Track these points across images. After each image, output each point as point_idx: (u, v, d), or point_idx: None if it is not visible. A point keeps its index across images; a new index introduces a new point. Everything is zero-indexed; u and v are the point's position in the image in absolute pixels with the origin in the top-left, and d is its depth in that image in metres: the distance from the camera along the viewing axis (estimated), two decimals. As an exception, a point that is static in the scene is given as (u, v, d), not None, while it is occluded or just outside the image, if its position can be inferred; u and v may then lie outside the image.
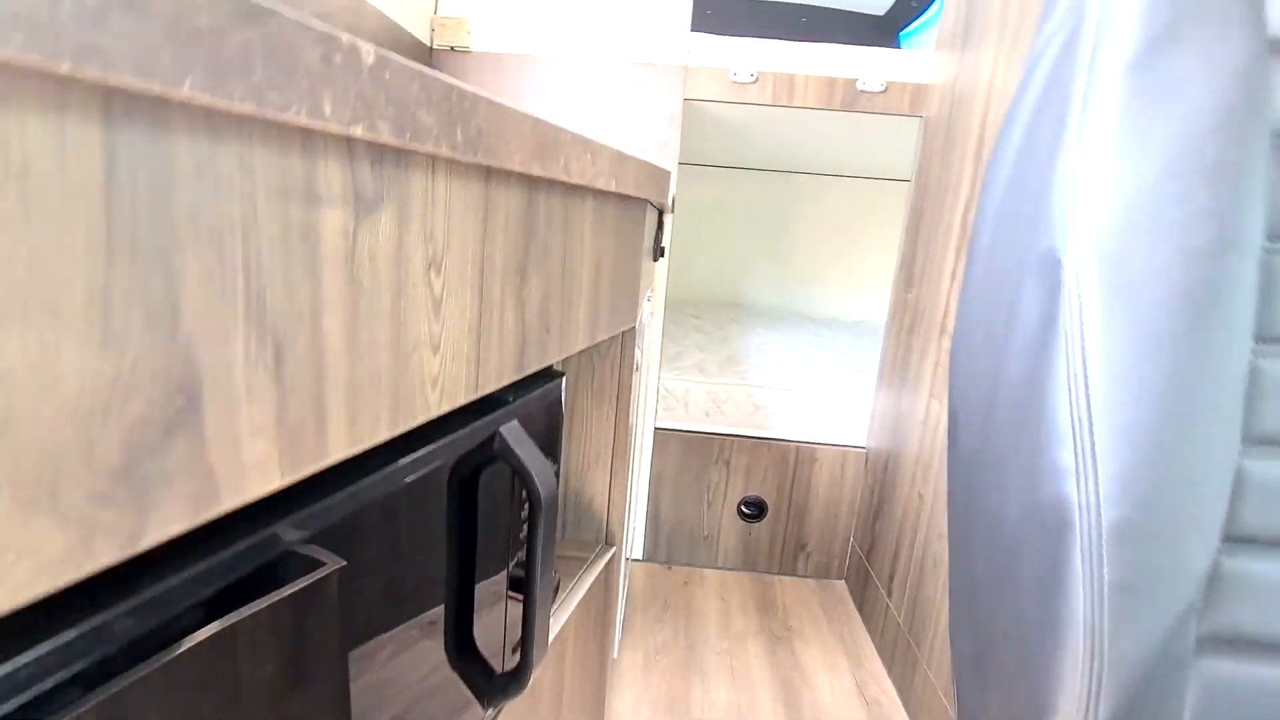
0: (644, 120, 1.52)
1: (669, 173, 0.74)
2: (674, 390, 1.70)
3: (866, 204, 2.83)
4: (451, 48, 1.51)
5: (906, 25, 3.29)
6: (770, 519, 1.74)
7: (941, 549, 1.20)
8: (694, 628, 1.50)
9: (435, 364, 0.39)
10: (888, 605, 1.43)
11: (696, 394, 1.70)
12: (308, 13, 0.24)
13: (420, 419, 0.39)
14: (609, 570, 0.89)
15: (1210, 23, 0.39)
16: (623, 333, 0.80)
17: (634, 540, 1.77)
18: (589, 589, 0.83)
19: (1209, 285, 0.37)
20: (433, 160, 0.36)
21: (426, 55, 1.50)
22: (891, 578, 1.42)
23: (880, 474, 1.56)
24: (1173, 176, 0.38)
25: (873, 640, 1.50)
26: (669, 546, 1.77)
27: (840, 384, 1.73)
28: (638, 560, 1.78)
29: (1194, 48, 0.39)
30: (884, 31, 3.41)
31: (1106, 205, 0.39)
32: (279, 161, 0.26)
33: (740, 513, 1.74)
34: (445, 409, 0.41)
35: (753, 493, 1.73)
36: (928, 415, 1.32)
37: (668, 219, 1.33)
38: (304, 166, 0.27)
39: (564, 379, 0.62)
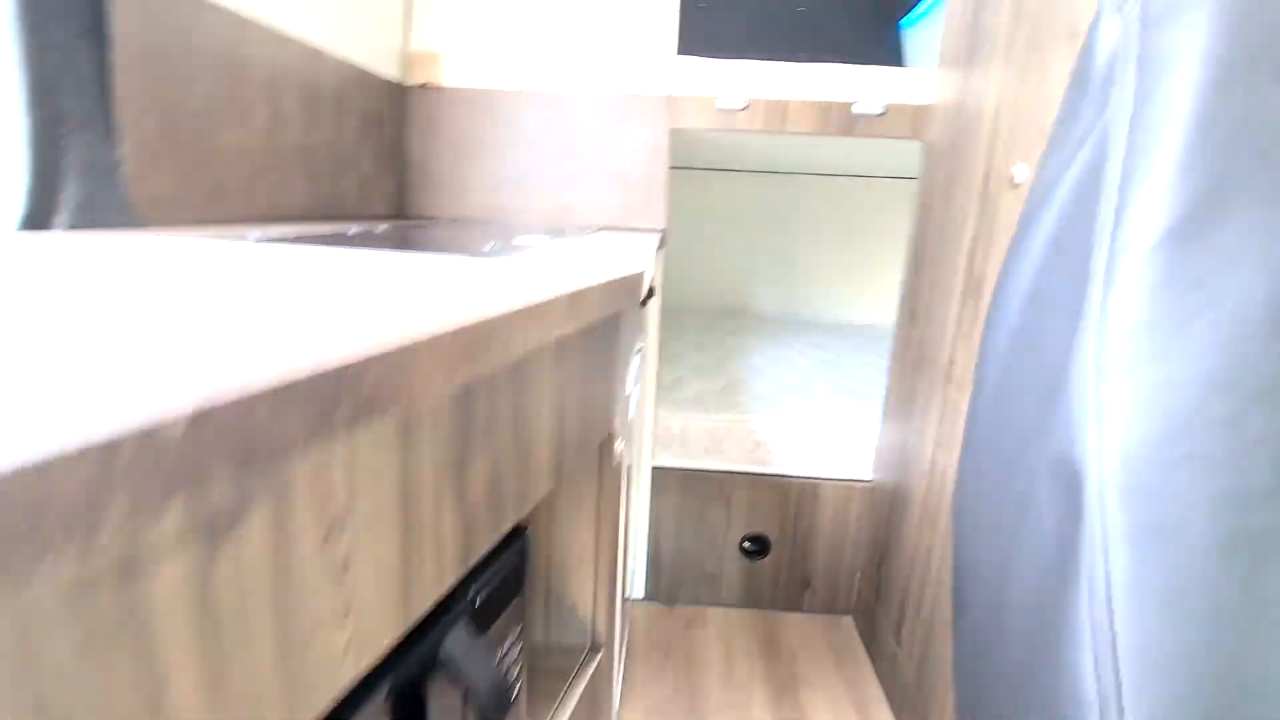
0: (629, 153, 1.45)
1: (641, 273, 0.68)
2: (671, 427, 1.65)
3: (872, 202, 2.73)
4: (424, 85, 1.44)
5: (909, 11, 3.16)
6: (774, 556, 1.69)
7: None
8: (696, 678, 1.46)
9: (345, 631, 0.34)
10: (896, 653, 1.38)
11: (695, 431, 1.64)
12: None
13: (329, 698, 0.33)
14: (598, 677, 0.84)
15: (1267, 190, 0.32)
16: (600, 441, 0.74)
17: (635, 580, 1.73)
18: (577, 701, 0.78)
19: (1266, 533, 0.31)
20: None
21: (399, 94, 1.43)
22: (900, 627, 1.37)
23: (886, 512, 1.51)
24: (1220, 392, 0.31)
25: (881, 687, 1.45)
26: (670, 585, 1.73)
27: (844, 416, 1.67)
28: (639, 601, 1.74)
29: (1246, 222, 0.32)
30: (885, 19, 3.28)
31: (1137, 422, 0.32)
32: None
33: (743, 550, 1.69)
34: (367, 665, 0.36)
35: (755, 529, 1.68)
36: (933, 466, 1.25)
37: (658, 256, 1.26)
38: (101, 561, 0.21)
39: (527, 533, 0.56)
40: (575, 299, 0.52)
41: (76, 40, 0.68)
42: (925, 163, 1.40)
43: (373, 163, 1.34)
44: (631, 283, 0.65)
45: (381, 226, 1.07)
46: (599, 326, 0.68)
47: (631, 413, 1.00)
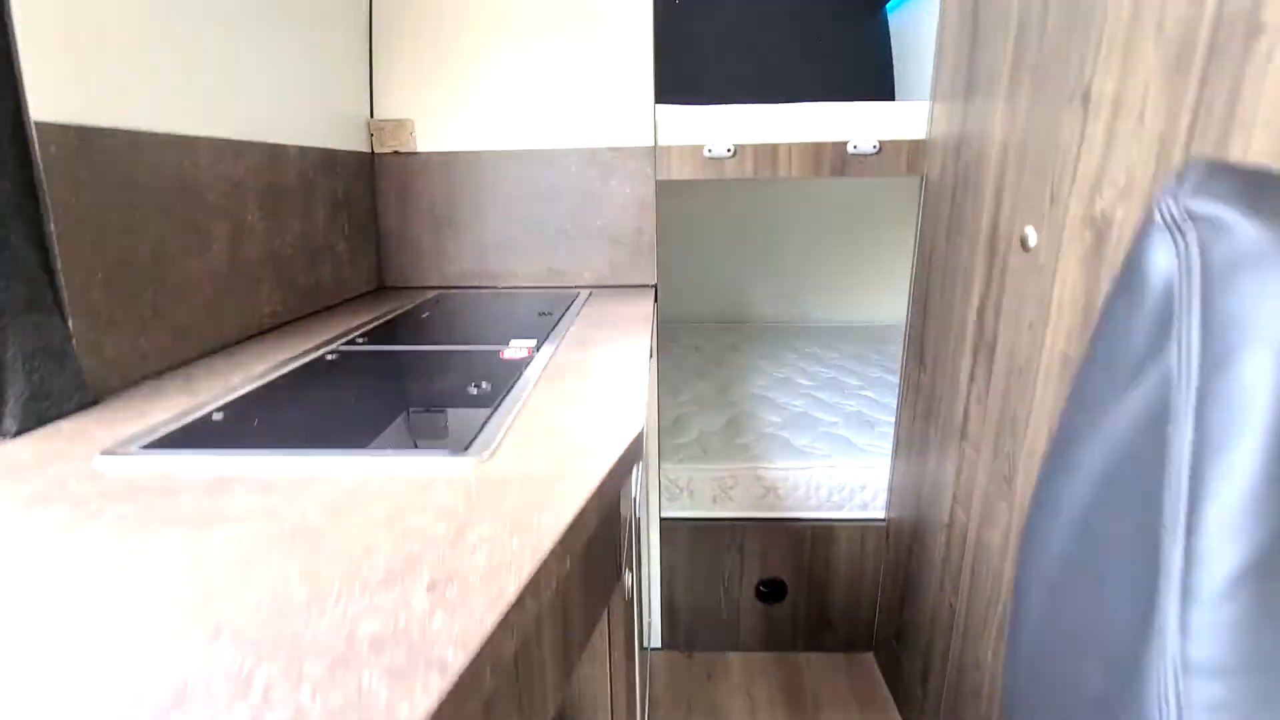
0: (615, 209, 1.38)
1: (640, 432, 0.63)
2: (677, 480, 1.61)
3: (868, 200, 2.66)
4: (395, 152, 1.37)
5: (893, -6, 3.06)
6: (791, 599, 1.66)
7: (979, 677, 1.12)
8: (722, 738, 1.44)
9: None
10: (923, 704, 1.36)
11: (701, 481, 1.60)
12: None
13: None
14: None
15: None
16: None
17: (652, 631, 1.70)
18: None
19: None
20: None
21: (368, 165, 1.36)
22: (925, 677, 1.34)
23: (905, 553, 1.47)
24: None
25: (909, 733, 1.44)
26: (688, 633, 1.71)
27: (852, 453, 1.63)
28: (657, 650, 1.72)
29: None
30: (871, 3, 3.18)
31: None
32: None
33: (759, 594, 1.66)
34: None
35: (770, 574, 1.65)
36: (952, 522, 1.22)
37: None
38: None
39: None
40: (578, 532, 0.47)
41: (7, 220, 0.62)
42: (925, 197, 1.34)
43: (347, 243, 1.28)
44: (630, 453, 0.60)
45: (358, 335, 1.02)
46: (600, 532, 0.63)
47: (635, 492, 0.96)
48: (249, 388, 0.75)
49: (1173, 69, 0.68)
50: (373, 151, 1.37)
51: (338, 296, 1.26)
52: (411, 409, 0.72)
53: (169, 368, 0.83)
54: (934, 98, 1.29)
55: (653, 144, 1.34)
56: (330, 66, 1.20)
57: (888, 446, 1.66)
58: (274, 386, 0.76)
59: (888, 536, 1.59)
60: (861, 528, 1.60)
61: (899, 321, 3.07)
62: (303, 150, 1.11)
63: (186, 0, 0.85)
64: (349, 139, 1.28)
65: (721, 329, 2.98)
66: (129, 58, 0.76)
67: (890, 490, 1.58)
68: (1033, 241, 0.94)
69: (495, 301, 1.30)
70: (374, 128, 1.35)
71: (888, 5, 3.20)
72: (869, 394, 2.06)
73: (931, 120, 1.30)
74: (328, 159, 1.19)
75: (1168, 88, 0.68)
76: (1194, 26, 0.65)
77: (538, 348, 0.92)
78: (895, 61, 3.21)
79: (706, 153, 1.34)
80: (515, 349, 0.90)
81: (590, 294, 1.35)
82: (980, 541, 1.10)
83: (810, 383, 2.19)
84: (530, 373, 0.81)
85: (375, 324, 1.08)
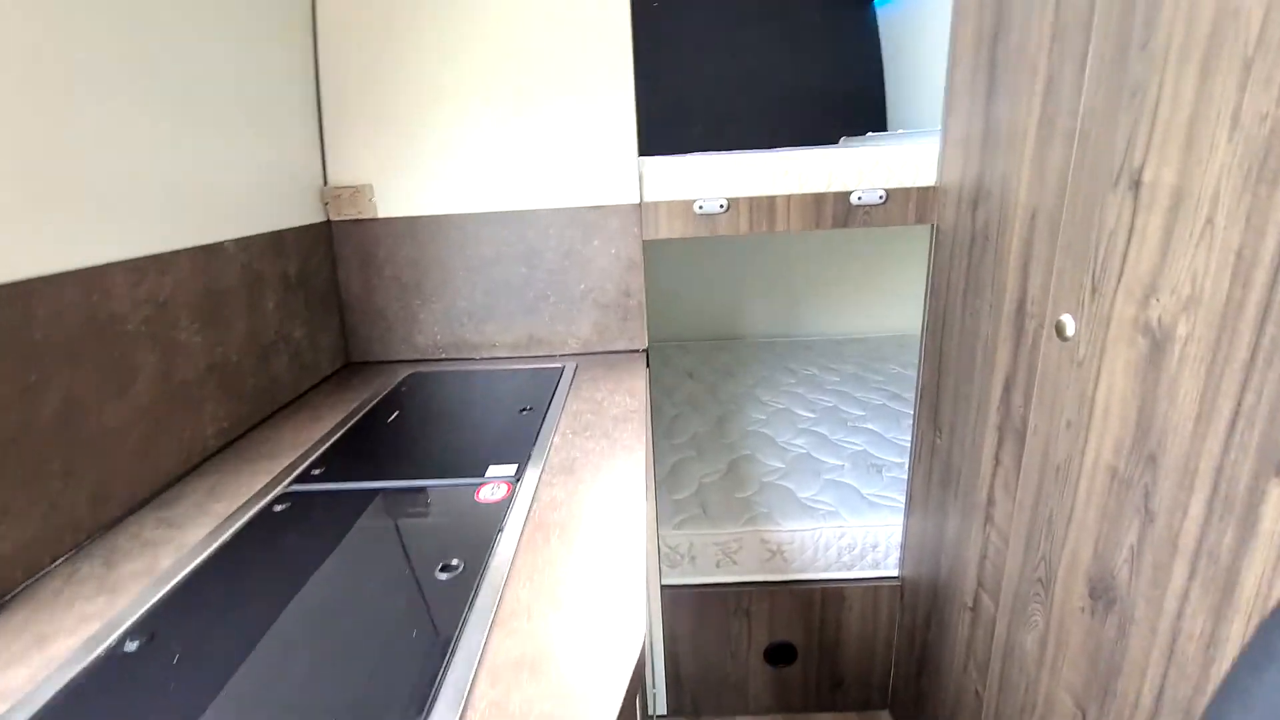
0: (599, 271, 1.27)
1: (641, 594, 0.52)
2: (678, 547, 1.51)
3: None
4: (358, 219, 1.24)
5: (883, -9, 2.92)
6: (801, 661, 1.58)
7: (1013, 780, 1.04)
8: (736, 824, 1.36)
9: None
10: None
11: (703, 546, 1.51)
12: None
13: None
14: None
15: None
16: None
17: (657, 699, 1.62)
18: None
19: None
20: None
21: (324, 235, 1.23)
22: (949, 758, 1.27)
23: (923, 616, 1.39)
24: None
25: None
26: (695, 698, 1.62)
27: (863, 509, 1.54)
28: (664, 717, 1.64)
29: None
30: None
31: None
32: None
33: (767, 657, 1.58)
34: None
35: (779, 637, 1.56)
36: (978, 606, 1.13)
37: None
38: None
39: None
40: None
41: None
42: (936, 247, 1.23)
43: (305, 326, 1.16)
44: (633, 687, 0.50)
45: (313, 463, 0.90)
46: None
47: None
48: (178, 577, 0.64)
49: (1255, 174, 0.57)
50: (329, 220, 1.24)
51: (298, 388, 1.14)
52: (364, 632, 0.58)
53: (88, 538, 0.71)
54: (945, 141, 1.17)
55: (638, 200, 1.22)
56: (271, 140, 1.07)
57: (896, 498, 1.57)
58: (204, 575, 0.65)
59: (902, 596, 1.50)
60: (874, 587, 1.51)
61: (897, 333, 2.98)
62: (243, 242, 0.98)
63: (82, 88, 0.71)
64: (300, 212, 1.15)
65: (715, 347, 2.87)
66: (10, 188, 0.63)
67: (904, 548, 1.49)
68: (1070, 331, 0.83)
69: (471, 389, 1.18)
70: (328, 196, 1.22)
71: (876, 1, 3.06)
72: (871, 427, 1.97)
73: (942, 165, 1.19)
74: (274, 242, 1.07)
75: (1248, 196, 0.58)
76: (1284, 130, 0.54)
77: (518, 476, 0.81)
78: (886, 58, 3.09)
79: (698, 208, 1.22)
80: (493, 485, 0.79)
81: (576, 367, 1.24)
82: (1012, 640, 1.02)
83: (810, 414, 2.09)
84: (509, 530, 0.70)
85: (336, 436, 0.97)
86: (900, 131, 2.10)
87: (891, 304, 2.97)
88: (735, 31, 3.04)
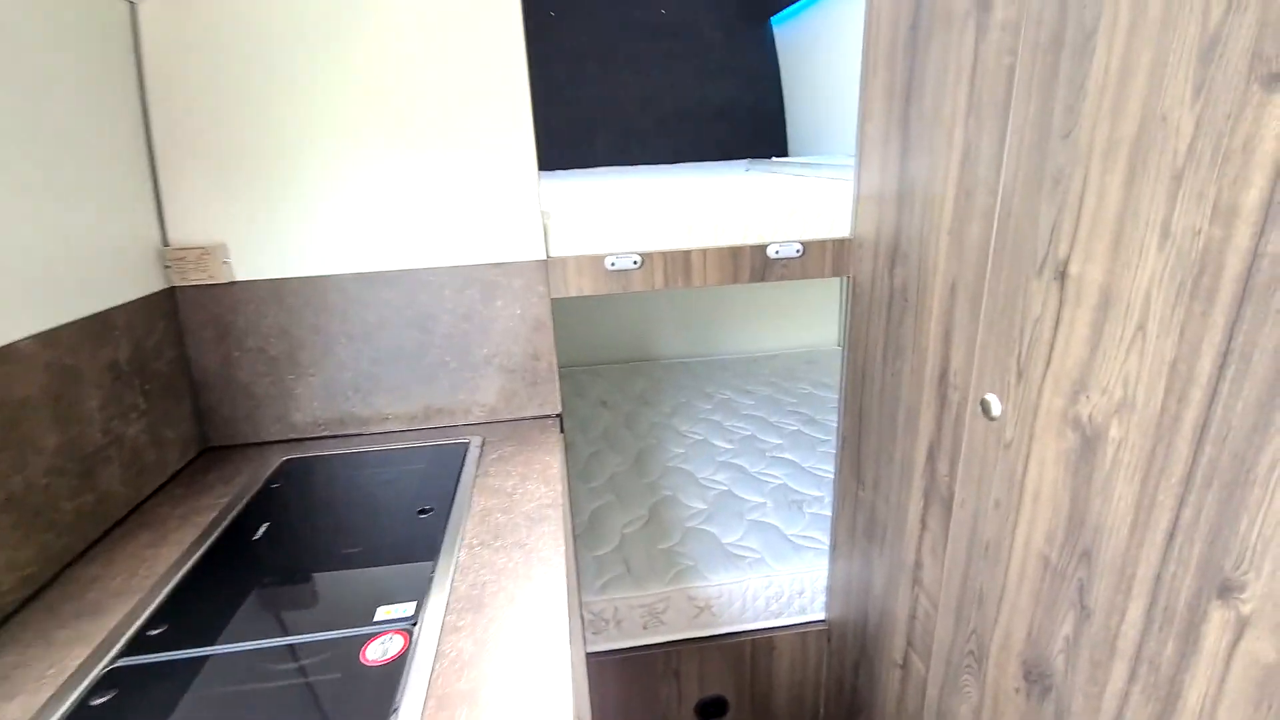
0: (503, 333, 1.15)
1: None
2: (602, 612, 1.42)
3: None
4: (211, 283, 1.05)
5: (780, 8, 2.94)
6: (733, 713, 1.54)
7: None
8: None
9: None
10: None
11: (629, 610, 1.43)
12: None
13: None
14: None
15: None
16: None
17: (585, 771, 1.53)
18: None
19: None
20: None
21: (167, 305, 1.03)
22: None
23: (850, 664, 1.38)
24: None
25: None
26: (626, 763, 1.54)
27: (788, 553, 1.51)
28: (594, 789, 1.55)
29: None
30: (755, 13, 3.05)
31: None
32: None
33: (699, 712, 1.53)
34: None
35: (710, 692, 1.51)
36: (908, 665, 1.12)
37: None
38: None
39: None
40: None
41: None
42: (853, 300, 1.21)
43: (145, 418, 0.96)
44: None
45: (149, 623, 0.73)
46: None
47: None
48: None
49: (1189, 289, 0.55)
50: (173, 287, 1.04)
51: (139, 494, 0.95)
52: None
53: None
54: (858, 194, 1.15)
55: (544, 256, 1.12)
56: (84, 200, 0.87)
57: (820, 538, 1.56)
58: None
59: (829, 640, 1.49)
60: (802, 634, 1.49)
61: (807, 349, 3.03)
62: (46, 337, 0.79)
63: None
64: (133, 282, 0.95)
65: (629, 371, 2.80)
66: None
67: (829, 591, 1.48)
68: (996, 411, 0.82)
69: (361, 477, 1.03)
70: (170, 258, 1.02)
71: (773, 18, 3.09)
72: (789, 457, 1.97)
73: (856, 218, 1.17)
74: (95, 328, 0.87)
75: (1181, 310, 0.56)
76: (1218, 252, 0.52)
77: (415, 619, 0.69)
78: (785, 76, 3.12)
79: (610, 264, 1.13)
80: (384, 638, 0.67)
81: (483, 442, 1.12)
82: (945, 706, 1.01)
83: (729, 445, 2.06)
84: (406, 712, 0.58)
85: (185, 569, 0.80)
86: (804, 161, 2.10)
87: (802, 320, 3.02)
88: (636, 45, 2.97)
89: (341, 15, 0.98)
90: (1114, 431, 0.64)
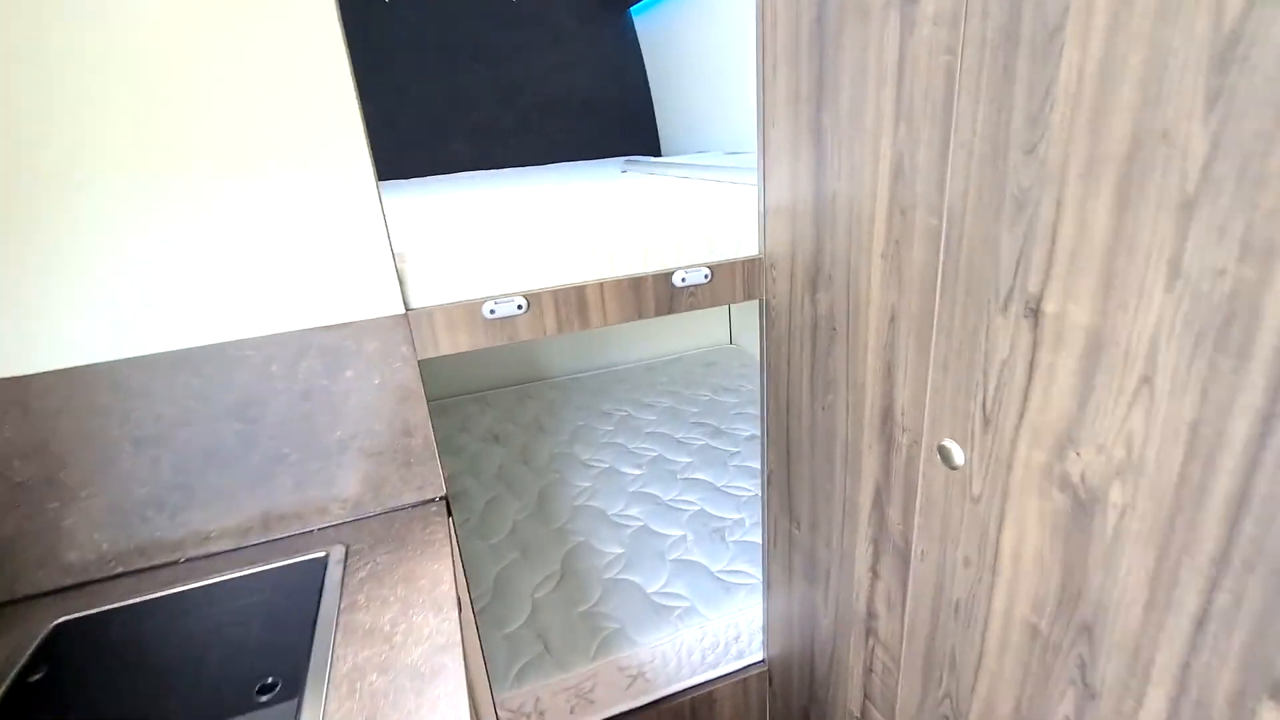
0: (361, 410, 0.91)
1: None
2: (522, 707, 1.22)
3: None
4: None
5: (637, -1, 2.80)
6: (678, 777, 1.40)
7: None
8: None
9: None
10: None
11: (552, 698, 1.24)
12: None
13: None
14: None
15: None
16: None
17: None
18: None
19: None
20: None
21: None
22: None
23: (796, 706, 1.29)
24: None
25: None
26: None
27: (718, 596, 1.39)
28: None
29: None
30: (611, 2, 2.89)
31: None
32: None
33: (641, 786, 1.37)
34: None
35: (652, 761, 1.36)
36: (866, 717, 1.03)
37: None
38: None
39: None
40: None
41: None
42: (768, 320, 1.09)
43: None
44: None
45: None
46: None
47: None
48: None
49: (1211, 340, 0.46)
50: None
51: None
52: None
53: None
54: (764, 207, 1.02)
55: (402, 310, 0.89)
56: None
57: (749, 571, 1.45)
58: None
59: (771, 682, 1.39)
60: (742, 681, 1.38)
61: (703, 350, 2.94)
62: None
63: None
64: None
65: (519, 395, 2.57)
66: None
67: (766, 630, 1.38)
68: (959, 460, 0.72)
69: (171, 638, 0.76)
70: None
71: (631, 8, 2.94)
72: (701, 477, 1.85)
73: (764, 234, 1.04)
74: None
75: (1202, 364, 0.47)
76: (1252, 297, 0.43)
77: None
78: (650, 69, 2.99)
79: (489, 312, 0.92)
80: None
81: (346, 551, 0.87)
82: (916, 768, 0.92)
83: (637, 472, 1.91)
84: None
85: None
86: (683, 161, 1.98)
87: (695, 320, 2.93)
88: (486, 34, 2.70)
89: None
90: (1115, 495, 0.55)
